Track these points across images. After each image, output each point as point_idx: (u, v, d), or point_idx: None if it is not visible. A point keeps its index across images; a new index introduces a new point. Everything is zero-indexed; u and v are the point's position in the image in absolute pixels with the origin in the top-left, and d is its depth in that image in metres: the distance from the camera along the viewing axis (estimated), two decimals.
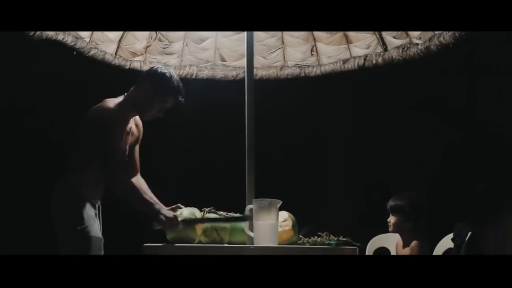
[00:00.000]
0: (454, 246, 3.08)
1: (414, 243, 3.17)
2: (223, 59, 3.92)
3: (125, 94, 2.79)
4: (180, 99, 2.78)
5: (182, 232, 2.64)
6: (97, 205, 2.73)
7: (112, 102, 2.73)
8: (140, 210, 2.67)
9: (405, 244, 3.24)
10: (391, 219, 3.27)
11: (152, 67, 2.86)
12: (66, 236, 2.64)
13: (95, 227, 2.67)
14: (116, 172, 2.62)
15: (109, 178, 2.63)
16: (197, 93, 4.01)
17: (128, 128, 2.79)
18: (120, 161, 2.72)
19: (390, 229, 3.29)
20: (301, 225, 2.87)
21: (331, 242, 2.80)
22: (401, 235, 3.29)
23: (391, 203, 3.28)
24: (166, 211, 2.63)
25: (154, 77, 2.76)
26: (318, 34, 3.74)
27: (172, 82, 2.75)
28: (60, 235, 2.67)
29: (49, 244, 3.70)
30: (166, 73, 2.75)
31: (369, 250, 3.45)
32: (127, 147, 2.80)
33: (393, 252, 3.37)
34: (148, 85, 2.75)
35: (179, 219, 2.62)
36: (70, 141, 2.80)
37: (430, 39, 3.24)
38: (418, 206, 3.24)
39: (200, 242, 2.72)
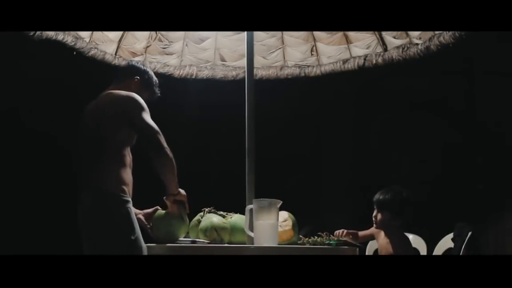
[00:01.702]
0: (454, 246, 3.08)
1: (399, 245, 3.10)
2: (223, 59, 3.92)
3: (110, 89, 2.73)
4: (158, 93, 2.89)
5: (168, 229, 2.65)
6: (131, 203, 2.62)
7: (119, 91, 2.69)
8: (171, 187, 2.61)
9: (392, 242, 3.14)
10: (378, 216, 3.16)
11: (130, 63, 2.92)
12: (115, 250, 2.44)
13: (141, 236, 2.54)
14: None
15: (161, 149, 2.54)
16: (197, 93, 4.03)
17: None
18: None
19: (376, 225, 3.19)
20: (301, 225, 2.87)
21: (331, 242, 2.80)
22: (387, 232, 3.18)
23: (379, 197, 3.16)
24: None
25: (141, 71, 2.83)
26: (318, 34, 3.74)
27: (154, 76, 2.88)
28: (106, 250, 2.45)
29: (47, 243, 3.72)
30: (148, 68, 2.89)
31: (369, 250, 3.45)
32: None
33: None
34: (137, 79, 2.80)
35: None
36: (89, 144, 2.59)
37: (430, 39, 3.24)
38: (406, 203, 3.12)
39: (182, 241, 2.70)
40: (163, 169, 2.56)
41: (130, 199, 2.57)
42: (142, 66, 2.87)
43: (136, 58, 3.72)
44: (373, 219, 3.19)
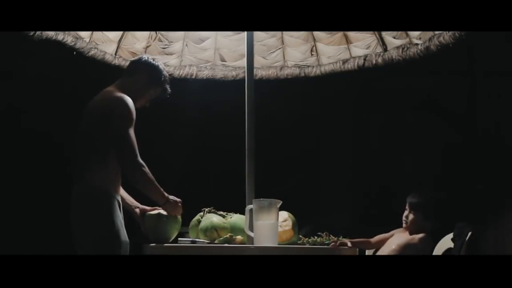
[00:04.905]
0: (454, 246, 3.08)
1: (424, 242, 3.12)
2: (223, 59, 3.92)
3: (116, 84, 2.72)
4: (169, 90, 2.84)
5: (160, 228, 2.65)
6: (119, 201, 2.62)
7: (117, 91, 2.65)
8: (155, 199, 2.62)
9: (418, 237, 3.15)
10: (410, 216, 3.17)
11: (141, 58, 2.84)
12: (96, 244, 2.49)
13: (124, 231, 2.56)
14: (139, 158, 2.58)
15: (134, 165, 2.54)
16: (197, 93, 4.03)
17: None
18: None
19: (406, 225, 3.19)
20: (301, 225, 2.87)
21: (330, 242, 2.80)
22: (414, 232, 3.18)
23: (412, 199, 3.18)
24: (173, 197, 2.66)
25: (149, 67, 2.78)
26: (318, 34, 3.74)
27: (164, 73, 2.81)
28: (88, 243, 2.51)
29: (46, 243, 3.72)
30: (159, 64, 2.81)
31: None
32: None
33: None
34: (143, 75, 2.75)
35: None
36: (81, 141, 2.63)
37: (430, 39, 3.24)
38: (440, 206, 3.17)
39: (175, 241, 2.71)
40: (140, 185, 2.57)
41: (115, 195, 2.57)
42: (151, 62, 2.79)
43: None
44: (404, 219, 3.20)
